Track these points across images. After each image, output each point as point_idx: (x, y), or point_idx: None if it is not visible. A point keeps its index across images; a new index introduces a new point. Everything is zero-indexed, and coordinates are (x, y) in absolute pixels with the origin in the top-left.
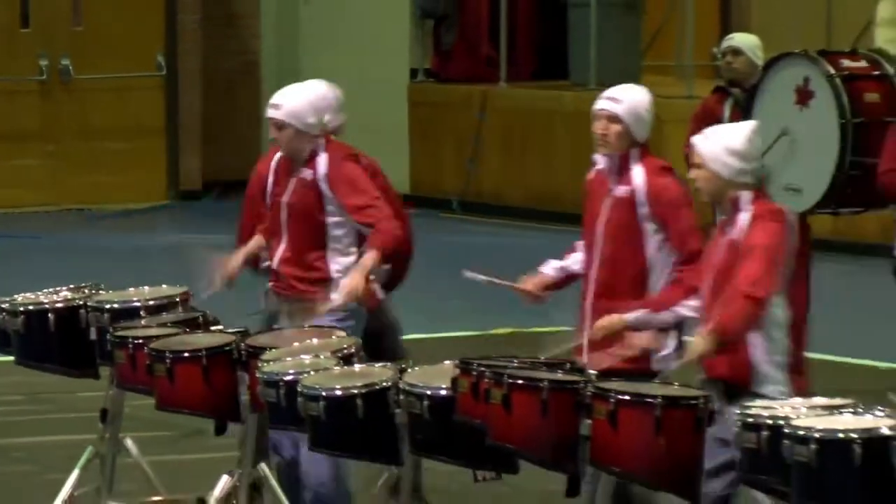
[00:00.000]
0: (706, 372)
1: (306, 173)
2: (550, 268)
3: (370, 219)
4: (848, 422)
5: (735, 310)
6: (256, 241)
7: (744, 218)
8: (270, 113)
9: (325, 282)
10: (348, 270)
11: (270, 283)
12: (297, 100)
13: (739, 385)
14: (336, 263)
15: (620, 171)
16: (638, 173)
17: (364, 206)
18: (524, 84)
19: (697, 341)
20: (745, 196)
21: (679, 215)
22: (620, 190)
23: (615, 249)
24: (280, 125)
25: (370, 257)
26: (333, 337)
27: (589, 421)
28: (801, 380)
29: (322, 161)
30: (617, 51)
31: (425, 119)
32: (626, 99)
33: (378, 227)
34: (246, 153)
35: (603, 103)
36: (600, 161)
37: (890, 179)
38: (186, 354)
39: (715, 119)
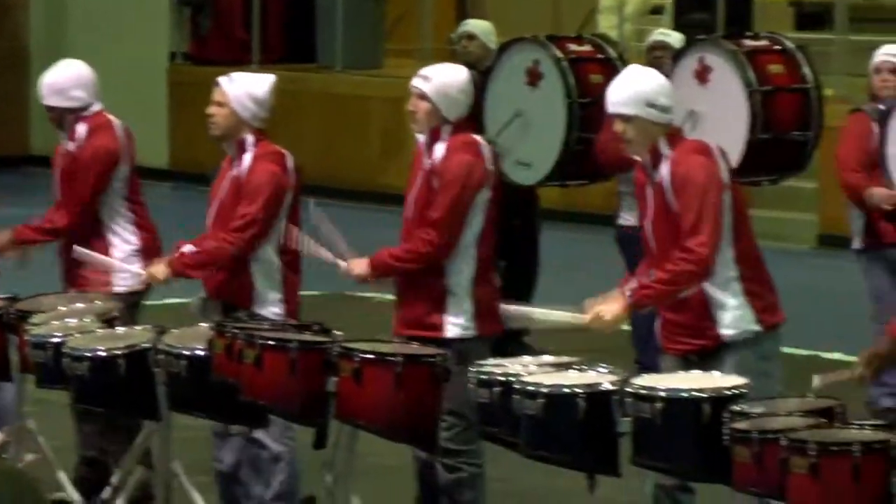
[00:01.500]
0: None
1: (69, 145)
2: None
3: None
4: (573, 378)
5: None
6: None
7: (247, 158)
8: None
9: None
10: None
11: None
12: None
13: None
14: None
15: (430, 146)
16: (440, 149)
17: None
18: (274, 66)
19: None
20: (250, 139)
21: (447, 189)
22: (428, 163)
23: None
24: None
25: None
26: (97, 302)
27: (335, 378)
28: None
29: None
30: (362, 35)
31: (183, 99)
32: (436, 78)
33: None
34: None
35: (414, 81)
36: (419, 137)
37: (607, 148)
38: None
39: None
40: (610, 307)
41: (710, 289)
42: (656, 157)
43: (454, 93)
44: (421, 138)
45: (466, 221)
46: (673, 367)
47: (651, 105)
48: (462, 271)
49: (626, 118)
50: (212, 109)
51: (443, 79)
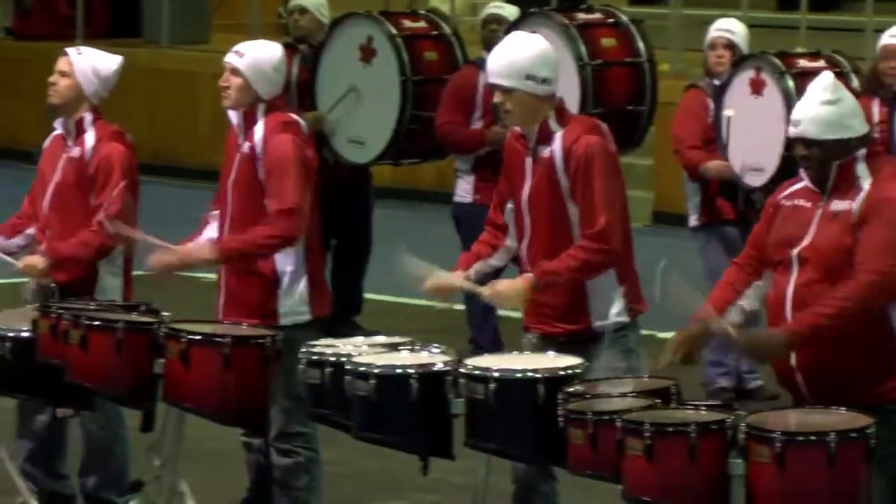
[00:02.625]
0: None
1: None
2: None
3: None
4: (405, 358)
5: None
6: None
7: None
8: None
9: None
10: None
11: None
12: None
13: None
14: None
15: (247, 126)
16: (259, 129)
17: None
18: (99, 42)
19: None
20: (88, 117)
21: (272, 173)
22: (246, 146)
23: (242, 209)
24: None
25: None
26: None
27: (162, 360)
28: None
29: None
30: (189, 9)
31: (7, 75)
32: (250, 54)
33: None
34: None
35: (228, 56)
36: (232, 116)
37: (447, 131)
38: None
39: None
40: (513, 286)
41: None
42: (546, 133)
43: (268, 69)
44: (234, 117)
45: None
46: (534, 347)
47: (530, 77)
48: (291, 254)
49: (504, 90)
50: (54, 78)
51: (256, 54)
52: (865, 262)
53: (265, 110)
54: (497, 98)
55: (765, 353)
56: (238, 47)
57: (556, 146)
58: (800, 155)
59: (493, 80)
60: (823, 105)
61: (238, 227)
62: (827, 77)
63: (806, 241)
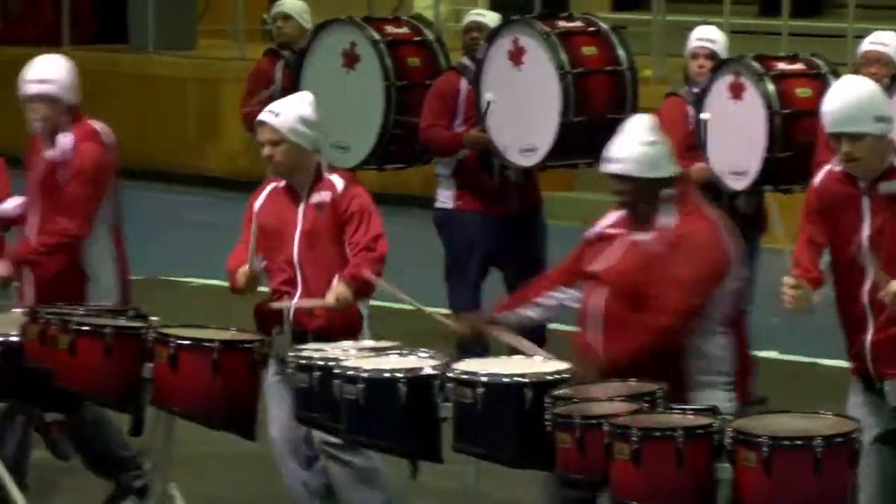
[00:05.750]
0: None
1: None
2: None
3: None
4: (394, 362)
5: None
6: None
7: (338, 183)
8: None
9: None
10: None
11: None
12: None
13: None
14: None
15: (52, 135)
16: (64, 140)
17: None
18: (85, 48)
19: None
20: (325, 161)
21: (73, 183)
22: (51, 154)
23: (48, 214)
24: None
25: None
26: None
27: (151, 364)
28: None
29: None
30: (175, 15)
31: None
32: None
33: None
34: None
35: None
36: (36, 127)
37: (431, 135)
38: None
39: (267, 79)
40: None
41: None
42: (891, 169)
43: (69, 80)
44: (37, 128)
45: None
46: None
47: (880, 119)
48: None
49: (854, 136)
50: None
51: (53, 70)
52: (667, 297)
53: (71, 120)
54: (845, 146)
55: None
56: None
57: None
58: (616, 189)
59: (839, 128)
60: (642, 146)
61: (45, 224)
62: (646, 119)
63: (610, 265)
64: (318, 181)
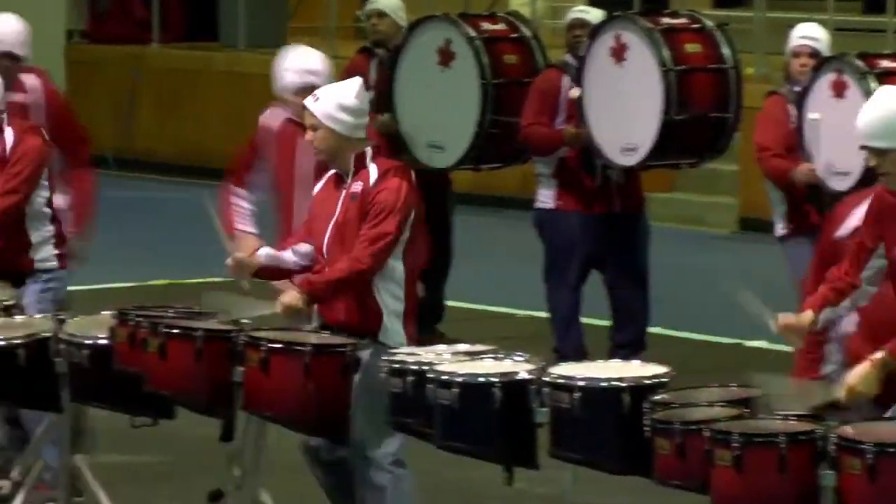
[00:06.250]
0: (325, 318)
1: None
2: None
3: None
4: (489, 366)
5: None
6: None
7: (373, 173)
8: None
9: None
10: None
11: None
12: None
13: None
14: None
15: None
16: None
17: None
18: (176, 45)
19: (292, 295)
20: (369, 151)
21: (15, 169)
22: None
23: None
24: None
25: None
26: None
27: (242, 368)
28: (411, 327)
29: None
30: (265, 13)
31: (82, 78)
32: None
33: None
34: None
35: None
36: None
37: (531, 132)
38: None
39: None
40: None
41: None
42: None
43: None
44: None
45: None
46: None
47: None
48: None
49: (880, 151)
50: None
51: None
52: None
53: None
54: (872, 160)
55: None
56: None
57: None
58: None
59: (865, 142)
60: None
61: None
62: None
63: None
64: (360, 170)
